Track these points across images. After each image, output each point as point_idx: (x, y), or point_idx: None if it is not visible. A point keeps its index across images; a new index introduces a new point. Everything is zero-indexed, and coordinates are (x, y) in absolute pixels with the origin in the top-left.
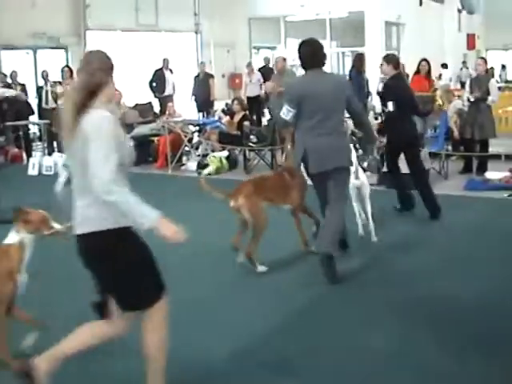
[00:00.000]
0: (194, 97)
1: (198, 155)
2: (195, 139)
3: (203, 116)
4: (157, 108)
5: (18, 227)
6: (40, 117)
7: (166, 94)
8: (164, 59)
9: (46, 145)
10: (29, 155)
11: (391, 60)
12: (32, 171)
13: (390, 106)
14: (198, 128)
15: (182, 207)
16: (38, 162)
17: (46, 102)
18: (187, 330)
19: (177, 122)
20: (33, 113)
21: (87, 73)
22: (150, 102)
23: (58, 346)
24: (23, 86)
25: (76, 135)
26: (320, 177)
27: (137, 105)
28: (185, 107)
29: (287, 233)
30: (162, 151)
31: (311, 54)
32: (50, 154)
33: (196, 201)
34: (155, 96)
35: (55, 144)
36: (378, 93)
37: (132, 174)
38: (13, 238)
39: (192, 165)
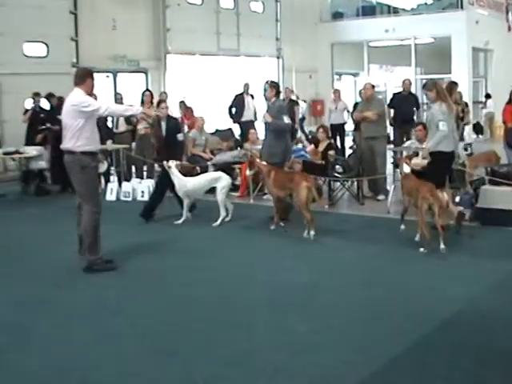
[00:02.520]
0: None
1: None
2: None
3: None
4: (237, 133)
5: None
6: (113, 142)
7: (246, 119)
8: (245, 84)
9: (123, 170)
10: (107, 180)
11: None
12: (110, 197)
13: None
14: None
15: (259, 239)
16: (116, 187)
17: (117, 127)
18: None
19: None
20: (112, 137)
21: None
22: (230, 128)
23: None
24: None
25: None
26: None
27: (217, 130)
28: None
29: None
30: (244, 180)
31: None
32: (127, 179)
33: (272, 236)
34: (234, 121)
35: (134, 169)
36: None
37: (210, 203)
38: (407, 168)
39: None
